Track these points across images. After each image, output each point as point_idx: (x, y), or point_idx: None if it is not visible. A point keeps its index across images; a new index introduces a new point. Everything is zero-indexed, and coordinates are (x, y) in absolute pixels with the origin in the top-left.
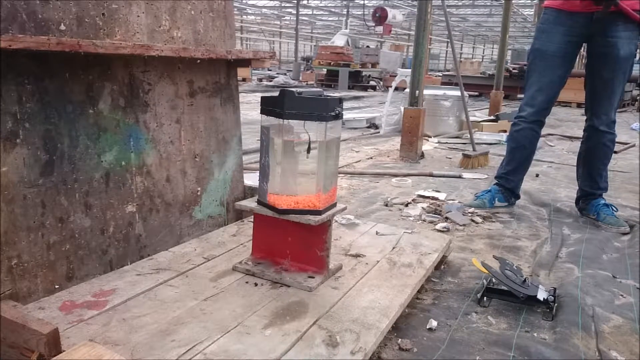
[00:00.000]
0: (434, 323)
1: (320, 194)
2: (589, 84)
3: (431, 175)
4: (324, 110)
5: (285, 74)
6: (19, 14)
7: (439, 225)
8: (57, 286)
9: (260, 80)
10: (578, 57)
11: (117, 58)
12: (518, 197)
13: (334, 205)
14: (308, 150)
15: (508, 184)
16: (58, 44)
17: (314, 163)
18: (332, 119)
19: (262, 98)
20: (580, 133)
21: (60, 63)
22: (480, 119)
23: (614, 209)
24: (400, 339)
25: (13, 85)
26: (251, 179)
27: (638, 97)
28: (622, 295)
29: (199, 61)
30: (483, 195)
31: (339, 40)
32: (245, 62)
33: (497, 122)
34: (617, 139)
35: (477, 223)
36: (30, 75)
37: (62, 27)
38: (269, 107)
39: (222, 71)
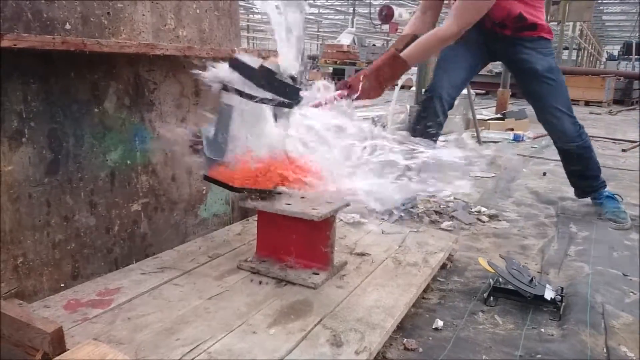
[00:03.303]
0: (439, 323)
1: None
2: (529, 101)
3: None
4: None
5: None
6: (24, 13)
7: (445, 224)
8: (62, 285)
9: None
10: None
11: (123, 57)
12: None
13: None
14: None
15: None
16: (63, 43)
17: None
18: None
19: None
20: (588, 131)
21: (65, 62)
22: (487, 117)
23: (619, 198)
24: (405, 339)
25: (18, 85)
26: None
27: None
28: (632, 293)
29: (204, 60)
30: None
31: (345, 39)
32: None
33: (504, 120)
34: (626, 137)
35: (483, 222)
36: (36, 74)
37: (68, 27)
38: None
39: None
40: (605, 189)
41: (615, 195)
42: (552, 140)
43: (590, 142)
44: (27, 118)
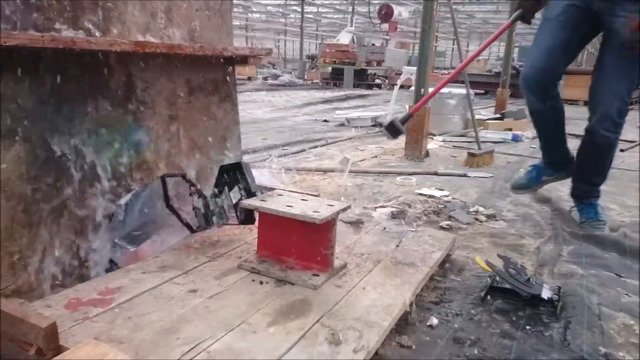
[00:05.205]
0: (434, 320)
1: None
2: (594, 73)
3: (436, 174)
4: None
5: (290, 73)
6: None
7: (443, 224)
8: (59, 281)
9: (265, 79)
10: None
11: (114, 57)
12: (567, 167)
13: None
14: None
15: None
16: (52, 40)
17: None
18: None
19: None
20: None
21: (57, 62)
22: (485, 117)
23: (600, 210)
24: (399, 336)
25: (11, 84)
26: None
27: None
28: (627, 295)
29: (195, 59)
30: (531, 170)
31: (344, 38)
32: (243, 60)
33: (502, 120)
34: (625, 137)
35: (481, 222)
36: (27, 74)
37: (57, 26)
38: None
39: (219, 69)
40: (597, 200)
41: (598, 205)
42: (588, 117)
43: (616, 142)
44: (20, 117)
